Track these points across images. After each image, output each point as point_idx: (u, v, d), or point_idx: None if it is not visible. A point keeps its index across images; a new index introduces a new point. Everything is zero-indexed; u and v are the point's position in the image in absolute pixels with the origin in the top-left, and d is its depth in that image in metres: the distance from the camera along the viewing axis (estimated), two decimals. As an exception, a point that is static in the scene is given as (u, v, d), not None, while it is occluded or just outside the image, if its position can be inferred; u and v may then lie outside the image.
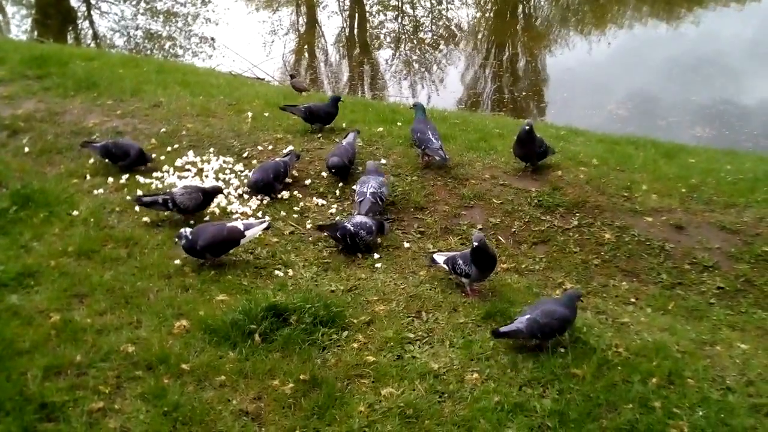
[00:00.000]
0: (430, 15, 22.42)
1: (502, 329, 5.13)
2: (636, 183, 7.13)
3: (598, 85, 15.37)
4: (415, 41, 20.08)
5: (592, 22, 20.28)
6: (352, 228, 6.10)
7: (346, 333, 5.23)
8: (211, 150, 7.55)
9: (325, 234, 6.30)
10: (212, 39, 18.48)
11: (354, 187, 6.71)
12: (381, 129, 8.05)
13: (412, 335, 5.25)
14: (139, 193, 6.71)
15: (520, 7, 22.31)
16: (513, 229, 6.60)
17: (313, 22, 21.31)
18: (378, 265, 6.08)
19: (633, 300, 5.90)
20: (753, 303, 5.87)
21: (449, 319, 5.43)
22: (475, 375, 4.89)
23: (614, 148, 8.10)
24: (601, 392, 4.75)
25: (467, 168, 7.30)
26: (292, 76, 10.51)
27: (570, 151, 7.77)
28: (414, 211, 6.83)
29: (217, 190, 6.60)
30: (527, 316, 5.09)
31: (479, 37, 20.46)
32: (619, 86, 15.07)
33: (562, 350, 5.13)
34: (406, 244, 6.40)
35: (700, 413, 4.63)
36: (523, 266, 6.23)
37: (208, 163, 7.34)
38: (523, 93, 15.35)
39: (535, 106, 14.95)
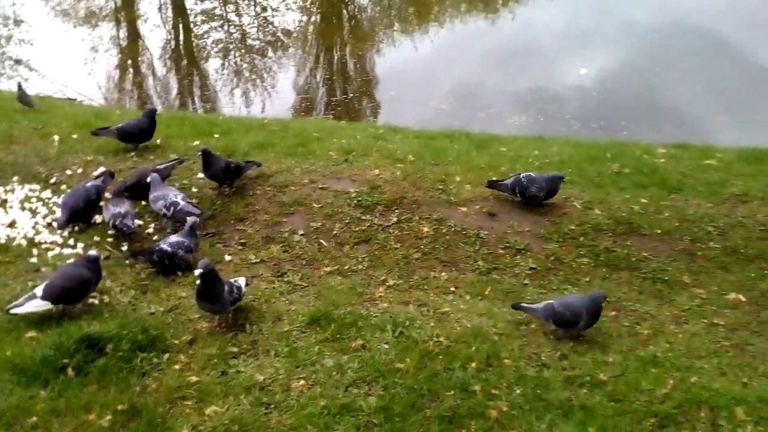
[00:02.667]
0: (255, 22, 22.18)
1: (523, 304, 5.54)
2: (450, 175, 7.34)
3: (422, 82, 15.68)
4: (243, 49, 19.82)
5: (416, 21, 20.74)
6: (169, 248, 5.93)
7: (167, 355, 5.10)
8: (15, 179, 7.14)
9: (141, 259, 6.11)
10: (17, 61, 17.48)
11: (154, 206, 6.50)
12: (198, 142, 7.88)
13: (236, 349, 5.19)
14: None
15: (345, 10, 22.50)
16: (334, 232, 6.63)
17: (135, 36, 20.58)
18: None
19: (453, 289, 6.06)
20: (563, 280, 6.17)
21: (273, 328, 5.40)
22: (302, 382, 4.89)
23: (430, 142, 8.31)
24: (424, 383, 4.86)
25: (286, 175, 7.28)
26: (19, 87, 9.47)
27: (387, 150, 7.90)
28: (234, 223, 6.74)
29: None
30: (549, 301, 5.41)
31: (308, 41, 20.45)
32: (442, 81, 15.45)
33: (386, 346, 5.21)
34: (228, 257, 6.31)
35: (518, 391, 4.83)
36: (346, 267, 6.27)
37: (12, 193, 6.93)
38: (353, 94, 15.50)
39: (364, 106, 15.10)
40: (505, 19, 19.45)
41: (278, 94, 16.42)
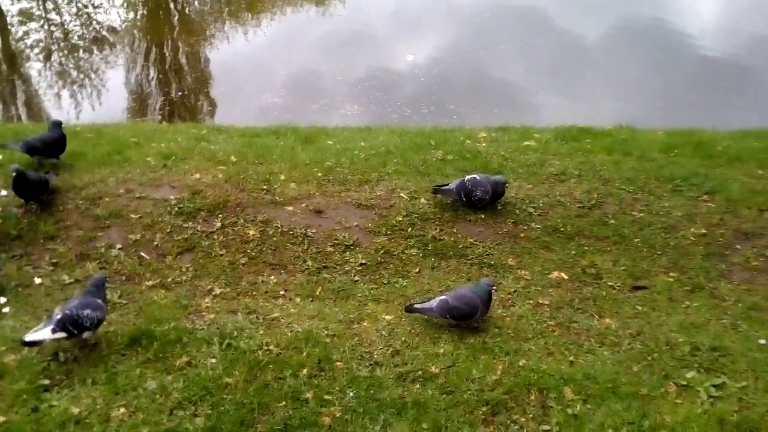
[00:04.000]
0: (78, 20, 21.00)
1: (416, 306, 5.42)
2: (275, 174, 7.13)
3: (255, 75, 15.36)
4: (66, 50, 18.70)
5: (247, 12, 20.30)
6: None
7: (-32, 396, 4.64)
8: None
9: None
10: None
11: None
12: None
13: (48, 381, 4.81)
14: None
15: (172, 3, 21.72)
16: (155, 243, 6.29)
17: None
18: (6, 309, 5.50)
19: (282, 292, 5.90)
20: (393, 273, 6.14)
21: (90, 354, 5.03)
22: (122, 410, 4.58)
23: (254, 141, 8.03)
24: (254, 396, 4.69)
25: (100, 186, 6.82)
26: None
27: (209, 152, 7.57)
28: (44, 242, 6.26)
29: None
30: (441, 297, 5.34)
31: (135, 38, 19.56)
32: (275, 73, 15.19)
33: (213, 361, 4.98)
34: (38, 280, 5.87)
35: (351, 394, 4.74)
36: (170, 279, 5.97)
37: None
38: (184, 92, 14.95)
39: (196, 104, 14.61)
40: (336, 5, 19.38)
41: (109, 92, 15.60)
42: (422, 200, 6.82)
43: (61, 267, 6.04)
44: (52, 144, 7.11)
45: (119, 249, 6.23)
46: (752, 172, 7.26)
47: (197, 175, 7.02)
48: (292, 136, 8.31)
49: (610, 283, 5.98)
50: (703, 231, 6.48)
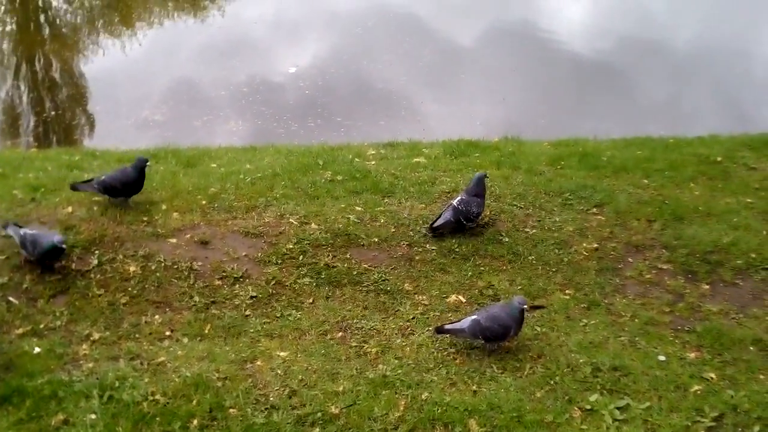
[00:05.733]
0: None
1: (447, 326, 5.31)
2: (155, 204, 6.71)
3: (133, 91, 14.71)
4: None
5: (121, 24, 19.51)
6: None
7: None
8: None
9: None
10: None
11: None
12: None
13: None
14: None
15: (43, 16, 20.65)
16: (25, 285, 5.77)
17: None
18: None
19: (168, 333, 5.51)
20: (286, 305, 5.84)
21: (-49, 417, 4.54)
22: (-9, 481, 4.13)
23: (131, 166, 7.58)
24: (140, 454, 4.33)
25: (-41, 225, 6.24)
26: None
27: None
28: None
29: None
30: (473, 317, 5.21)
31: (4, 53, 18.44)
32: (154, 88, 14.59)
33: (93, 417, 4.58)
34: None
35: (247, 444, 4.45)
36: (42, 326, 5.47)
37: None
38: (58, 111, 14.13)
39: (72, 125, 13.79)
40: (215, 16, 18.91)
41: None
42: (313, 225, 6.56)
43: None
44: (133, 184, 6.52)
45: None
46: (638, 182, 7.38)
47: (69, 209, 6.51)
48: (173, 160, 7.88)
49: (507, 304, 5.90)
50: (595, 245, 6.51)
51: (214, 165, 7.80)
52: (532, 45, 15.88)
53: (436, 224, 6.50)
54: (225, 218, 6.60)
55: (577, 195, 7.09)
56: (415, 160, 7.89)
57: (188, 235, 6.35)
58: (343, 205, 6.84)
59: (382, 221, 6.67)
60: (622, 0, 19.08)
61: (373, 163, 7.81)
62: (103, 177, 6.56)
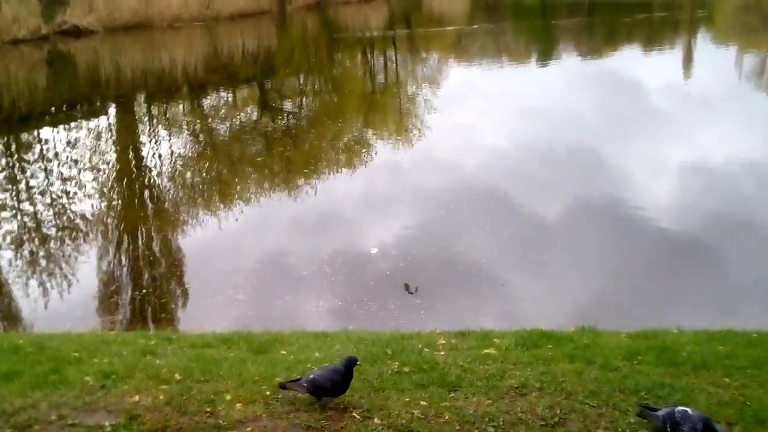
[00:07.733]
0: (51, 210, 21.19)
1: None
2: (220, 393, 6.71)
3: (221, 266, 15.24)
4: (37, 239, 18.68)
5: (219, 201, 20.56)
6: None
7: None
8: None
9: None
10: None
11: None
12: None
13: None
14: None
15: (147, 192, 22.04)
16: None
17: None
18: None
19: None
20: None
21: None
22: None
23: (203, 353, 7.67)
24: None
25: (31, 411, 6.36)
26: None
27: (153, 368, 7.20)
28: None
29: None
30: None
31: (109, 228, 19.63)
32: (242, 264, 15.09)
33: None
34: None
35: None
36: None
37: None
38: (153, 286, 14.70)
39: (160, 304, 14.24)
40: (308, 193, 19.77)
41: (79, 282, 15.34)
42: (376, 420, 6.35)
43: None
44: (342, 383, 6.50)
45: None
46: (719, 380, 6.95)
47: (136, 397, 6.60)
48: (245, 346, 7.97)
49: None
50: (672, 451, 6.08)
51: (284, 352, 7.83)
52: (617, 220, 15.90)
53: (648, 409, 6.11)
54: (288, 410, 6.51)
55: (654, 394, 6.72)
56: (485, 351, 7.71)
57: (249, 429, 6.26)
58: (407, 399, 6.67)
59: (446, 417, 6.44)
60: (710, 177, 18.95)
61: (442, 353, 7.67)
62: (311, 376, 6.50)
